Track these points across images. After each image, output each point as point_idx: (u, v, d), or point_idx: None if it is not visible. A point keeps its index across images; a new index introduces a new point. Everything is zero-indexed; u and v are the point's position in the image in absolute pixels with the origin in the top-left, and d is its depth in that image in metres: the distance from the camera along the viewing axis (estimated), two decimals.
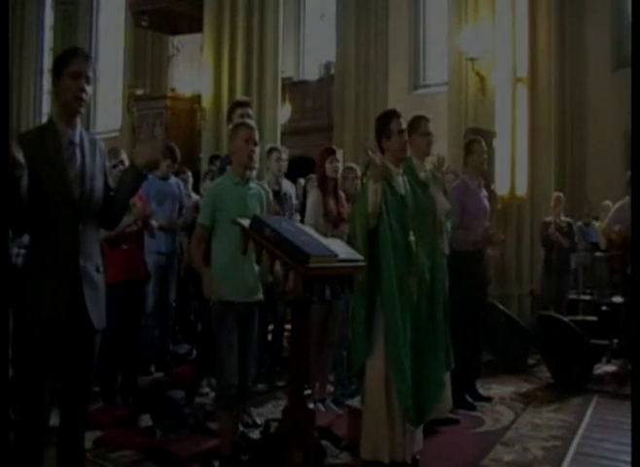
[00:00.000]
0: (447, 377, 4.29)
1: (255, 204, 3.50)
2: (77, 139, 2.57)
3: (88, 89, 2.56)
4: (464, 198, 4.95)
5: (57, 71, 2.55)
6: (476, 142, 5.16)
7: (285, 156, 5.26)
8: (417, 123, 4.16)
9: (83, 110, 2.59)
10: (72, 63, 2.53)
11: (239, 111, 4.45)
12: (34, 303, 2.44)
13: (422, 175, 4.14)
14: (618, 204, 6.44)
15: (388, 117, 3.65)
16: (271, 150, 5.13)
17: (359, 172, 5.15)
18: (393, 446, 3.41)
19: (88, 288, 2.53)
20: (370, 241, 3.46)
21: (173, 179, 5.92)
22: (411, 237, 3.54)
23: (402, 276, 3.46)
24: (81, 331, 2.52)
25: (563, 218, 7.45)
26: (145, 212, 4.72)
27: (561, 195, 7.62)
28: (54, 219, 2.48)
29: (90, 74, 2.58)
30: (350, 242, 3.62)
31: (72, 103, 2.54)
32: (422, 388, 3.49)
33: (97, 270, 2.60)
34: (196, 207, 5.71)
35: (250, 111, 4.54)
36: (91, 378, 2.68)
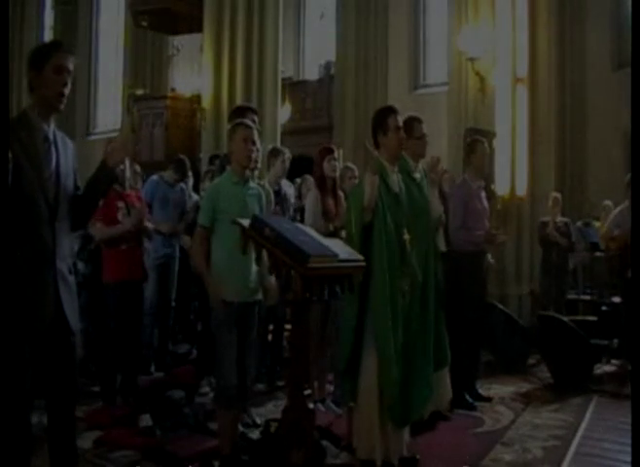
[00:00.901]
0: (446, 373, 4.33)
1: (254, 204, 3.49)
2: (51, 136, 2.50)
3: (69, 83, 2.49)
4: (466, 198, 4.94)
5: (38, 64, 2.46)
6: (479, 142, 5.15)
7: (287, 157, 5.25)
8: (411, 125, 4.05)
9: (63, 106, 2.51)
10: (56, 57, 2.45)
11: (249, 116, 4.39)
12: (14, 304, 2.38)
13: (417, 176, 4.15)
14: (617, 209, 6.44)
15: (386, 112, 3.63)
16: (277, 152, 5.11)
17: (357, 172, 5.15)
18: (385, 446, 3.40)
19: (63, 290, 2.50)
20: (364, 239, 3.42)
21: (178, 185, 5.95)
22: (406, 236, 3.52)
23: (394, 276, 3.44)
24: (59, 333, 2.49)
25: (560, 218, 7.44)
26: (144, 215, 4.74)
27: (558, 195, 7.61)
28: (31, 218, 2.42)
29: (71, 68, 2.49)
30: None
31: (53, 98, 2.47)
32: (411, 389, 3.48)
33: (70, 272, 2.57)
34: (197, 207, 5.73)
35: (256, 118, 4.50)
36: (75, 379, 2.65)
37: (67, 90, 2.49)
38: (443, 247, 4.54)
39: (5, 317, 2.37)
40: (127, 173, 4.61)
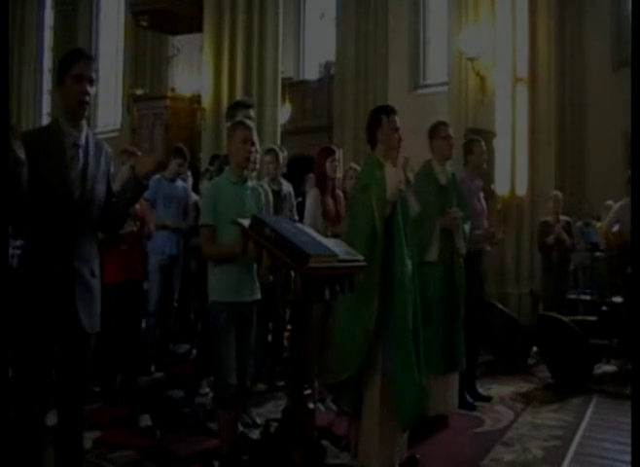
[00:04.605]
0: (456, 377, 4.42)
1: (253, 204, 3.49)
2: (82, 141, 2.58)
3: (91, 90, 2.57)
4: (465, 198, 4.94)
5: (61, 74, 2.57)
6: (475, 142, 5.17)
7: (282, 157, 5.23)
8: (437, 127, 4.41)
9: (87, 113, 2.61)
10: (74, 67, 2.54)
11: (243, 112, 4.39)
12: (28, 303, 2.44)
13: (442, 180, 4.26)
14: (617, 205, 6.44)
15: (390, 110, 3.62)
16: (267, 151, 5.10)
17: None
18: (384, 454, 3.36)
19: (80, 291, 2.52)
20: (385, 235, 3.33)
21: (180, 182, 5.97)
22: (403, 237, 3.50)
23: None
24: (72, 333, 2.51)
25: (562, 217, 7.42)
26: (144, 215, 4.76)
27: (560, 194, 7.58)
28: (53, 219, 2.47)
29: (93, 75, 2.58)
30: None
31: (76, 107, 2.56)
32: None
33: (92, 274, 2.59)
34: (197, 207, 5.73)
35: (252, 112, 4.49)
36: (86, 380, 2.68)
37: (89, 97, 2.57)
38: (463, 250, 4.57)
39: (19, 316, 2.43)
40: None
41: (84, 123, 2.62)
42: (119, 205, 2.71)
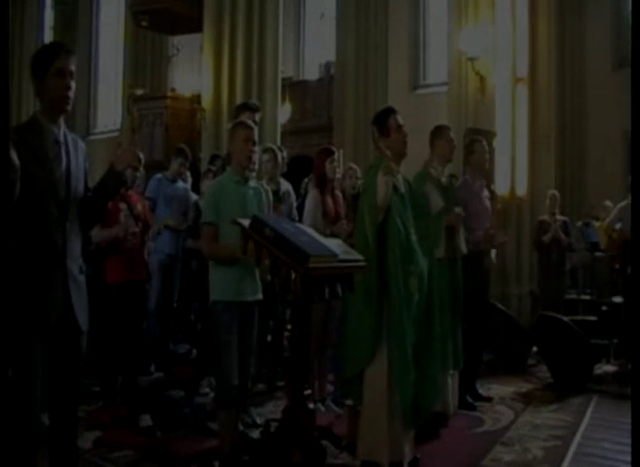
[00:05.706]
0: (455, 377, 4.42)
1: (254, 204, 3.49)
2: (62, 138, 2.53)
3: (73, 85, 2.51)
4: (466, 199, 4.94)
5: (41, 69, 2.48)
6: (477, 141, 5.18)
7: (281, 156, 5.22)
8: (442, 130, 4.53)
9: (69, 108, 2.54)
10: (56, 61, 2.46)
11: (248, 116, 4.39)
12: (23, 303, 2.40)
13: (443, 180, 4.34)
14: (621, 204, 6.44)
15: (385, 114, 3.64)
16: (265, 150, 5.09)
17: (359, 172, 5.16)
18: (393, 447, 3.38)
19: (73, 290, 2.51)
20: (378, 239, 3.41)
21: (181, 183, 5.98)
22: (413, 236, 3.52)
23: (405, 276, 3.43)
24: (67, 332, 2.50)
25: (559, 217, 7.42)
26: (146, 216, 4.78)
27: (557, 192, 7.58)
28: (42, 219, 2.44)
29: (73, 69, 2.51)
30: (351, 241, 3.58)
31: (59, 102, 2.49)
32: (419, 390, 3.48)
33: (81, 271, 2.58)
34: (196, 206, 5.72)
35: (257, 117, 4.49)
36: (80, 379, 2.66)
37: (72, 93, 2.51)
38: (464, 249, 4.58)
39: (14, 317, 2.39)
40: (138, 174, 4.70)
41: (62, 119, 2.55)
42: (96, 201, 2.64)
